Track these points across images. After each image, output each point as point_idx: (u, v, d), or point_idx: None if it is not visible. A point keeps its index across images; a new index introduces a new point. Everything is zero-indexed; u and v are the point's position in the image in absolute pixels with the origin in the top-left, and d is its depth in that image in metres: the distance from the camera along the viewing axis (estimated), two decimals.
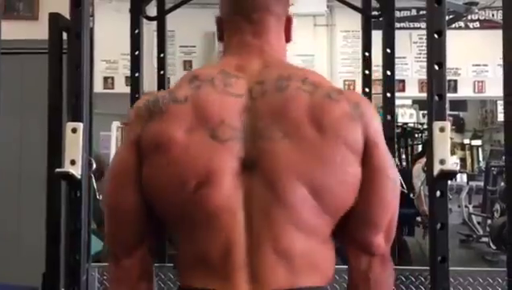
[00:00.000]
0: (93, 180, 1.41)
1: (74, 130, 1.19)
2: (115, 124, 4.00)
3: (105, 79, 4.56)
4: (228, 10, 1.00)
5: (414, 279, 1.42)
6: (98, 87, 4.45)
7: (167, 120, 0.89)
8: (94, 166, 1.34)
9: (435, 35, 1.20)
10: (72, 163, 1.17)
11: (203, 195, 0.85)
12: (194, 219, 0.86)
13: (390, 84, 1.74)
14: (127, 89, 1.87)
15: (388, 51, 1.73)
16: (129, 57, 1.94)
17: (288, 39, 1.01)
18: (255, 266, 0.83)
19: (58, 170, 1.19)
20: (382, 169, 0.91)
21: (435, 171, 1.15)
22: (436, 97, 1.19)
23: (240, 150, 0.85)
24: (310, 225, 0.87)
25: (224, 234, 0.84)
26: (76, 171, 1.17)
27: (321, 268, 0.89)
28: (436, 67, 1.20)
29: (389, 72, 1.73)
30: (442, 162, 1.16)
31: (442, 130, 1.17)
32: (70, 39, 1.31)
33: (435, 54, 1.20)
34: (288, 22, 1.01)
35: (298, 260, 0.85)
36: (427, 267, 1.24)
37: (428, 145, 1.19)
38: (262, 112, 0.88)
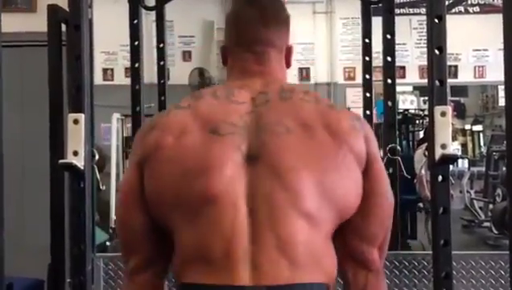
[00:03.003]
0: (96, 171, 1.41)
1: (76, 122, 1.19)
2: (115, 116, 3.99)
3: (105, 71, 4.54)
4: (232, 41, 1.05)
5: (416, 264, 1.43)
6: (98, 79, 4.44)
7: (167, 123, 0.93)
8: (97, 157, 1.34)
9: (436, 20, 1.19)
10: (75, 154, 1.17)
11: (201, 183, 0.85)
12: (195, 210, 0.87)
13: (391, 70, 1.74)
14: (127, 81, 1.87)
15: (388, 37, 1.73)
16: (128, 48, 1.93)
17: (288, 65, 1.07)
18: (256, 257, 0.83)
19: (61, 161, 1.19)
20: (381, 183, 0.95)
21: (437, 156, 1.15)
22: (437, 82, 1.19)
23: (241, 142, 0.87)
24: (313, 215, 0.87)
25: (225, 224, 0.85)
26: (79, 161, 1.17)
27: (323, 265, 0.89)
28: (437, 52, 1.19)
29: (389, 58, 1.73)
30: (443, 146, 1.16)
31: (443, 114, 1.17)
32: (69, 30, 1.31)
33: (436, 39, 1.20)
34: (288, 51, 1.06)
35: (300, 250, 0.85)
36: (430, 252, 1.25)
37: (429, 130, 1.19)
38: (267, 113, 0.92)
